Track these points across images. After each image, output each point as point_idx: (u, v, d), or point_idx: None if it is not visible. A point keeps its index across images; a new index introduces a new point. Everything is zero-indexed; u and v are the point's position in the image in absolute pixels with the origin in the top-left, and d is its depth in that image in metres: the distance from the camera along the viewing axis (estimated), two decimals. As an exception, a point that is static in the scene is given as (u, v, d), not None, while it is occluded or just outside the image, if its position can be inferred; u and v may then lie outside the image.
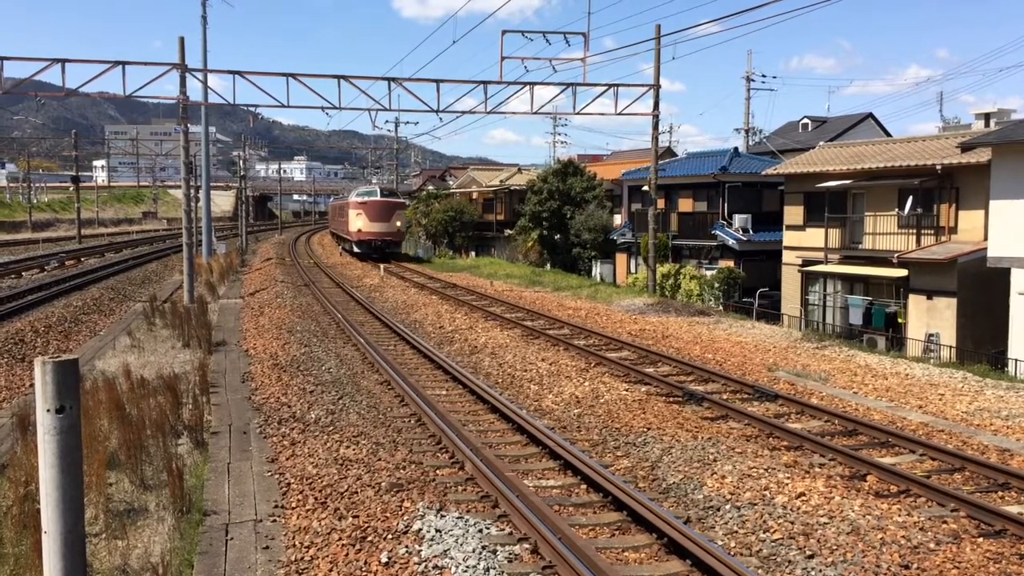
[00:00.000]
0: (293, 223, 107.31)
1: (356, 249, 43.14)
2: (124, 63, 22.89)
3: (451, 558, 6.76)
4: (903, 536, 7.24)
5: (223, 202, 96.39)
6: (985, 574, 6.63)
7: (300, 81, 24.92)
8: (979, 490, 8.76)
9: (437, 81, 26.30)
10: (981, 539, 7.36)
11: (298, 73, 24.73)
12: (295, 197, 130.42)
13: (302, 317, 20.79)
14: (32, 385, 9.94)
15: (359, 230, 42.24)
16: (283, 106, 25.24)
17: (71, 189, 66.92)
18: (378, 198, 43.52)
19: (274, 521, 7.59)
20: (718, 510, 8.06)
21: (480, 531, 7.36)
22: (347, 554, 6.83)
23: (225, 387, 13.11)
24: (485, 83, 26.89)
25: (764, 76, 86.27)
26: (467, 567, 6.60)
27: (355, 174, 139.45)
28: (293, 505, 7.93)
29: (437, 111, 27.09)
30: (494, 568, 6.64)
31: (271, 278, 31.17)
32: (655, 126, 29.80)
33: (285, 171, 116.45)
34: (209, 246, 38.02)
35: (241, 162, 63.09)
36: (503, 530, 7.49)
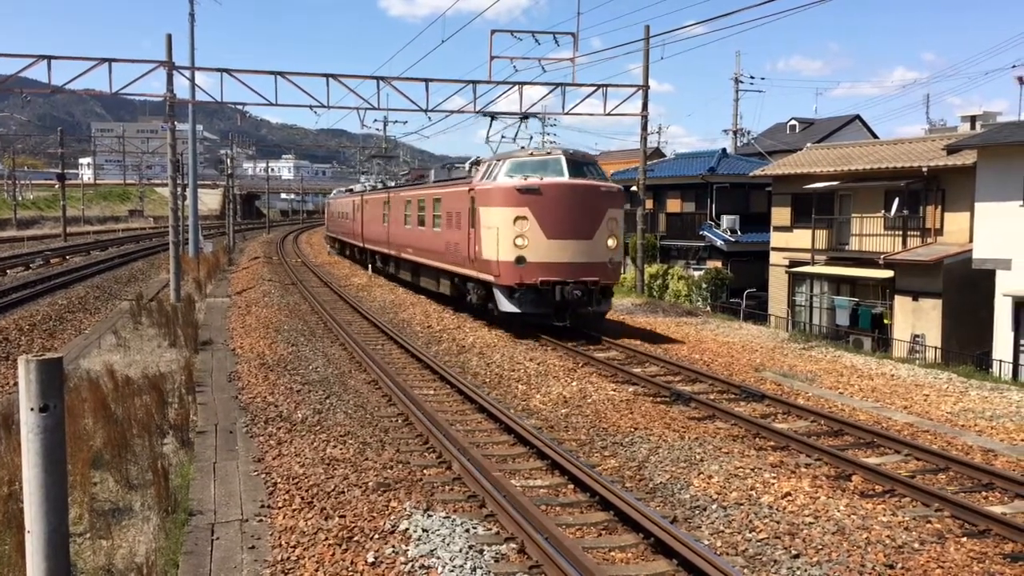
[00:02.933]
0: (281, 222, 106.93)
1: (507, 307, 17.47)
2: (111, 60, 22.74)
3: (438, 558, 6.75)
4: (888, 536, 7.28)
5: (210, 200, 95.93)
6: (969, 573, 6.68)
7: (288, 79, 24.84)
8: (963, 490, 8.82)
9: (426, 80, 26.26)
10: (965, 539, 7.41)
11: (286, 71, 24.66)
12: (283, 196, 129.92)
13: (289, 316, 20.72)
14: (16, 383, 9.88)
15: (519, 260, 17.10)
16: (271, 104, 25.42)
17: (57, 187, 66.49)
18: (566, 179, 17.54)
19: (260, 521, 7.56)
20: (704, 510, 8.08)
21: (467, 531, 7.35)
22: (333, 554, 6.81)
23: (211, 386, 13.04)
24: (474, 82, 26.86)
25: (752, 77, 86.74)
26: (454, 567, 6.59)
27: (343, 173, 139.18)
28: (279, 505, 7.90)
29: (426, 110, 27.03)
30: (481, 568, 6.63)
31: (258, 277, 31.05)
32: (644, 127, 29.85)
33: (273, 169, 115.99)
34: (196, 244, 37.83)
35: (228, 160, 62.74)
36: (490, 530, 7.49)
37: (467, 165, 21.42)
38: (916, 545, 7.14)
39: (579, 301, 17.01)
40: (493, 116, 25.04)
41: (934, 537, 7.37)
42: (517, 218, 17.05)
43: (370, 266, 34.68)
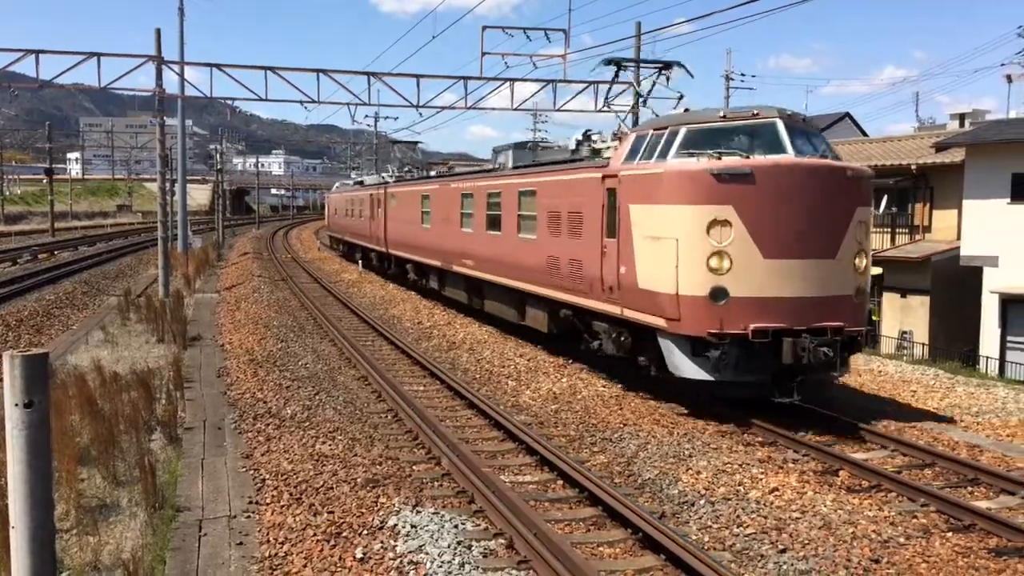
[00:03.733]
0: (271, 217, 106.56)
1: (691, 371, 10.87)
2: (99, 55, 22.60)
3: (426, 553, 6.75)
4: (874, 530, 7.32)
5: (199, 196, 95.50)
6: (954, 568, 6.73)
7: (278, 75, 24.74)
8: (949, 485, 8.88)
9: (417, 76, 26.21)
10: (950, 533, 7.46)
11: (276, 66, 24.57)
12: (273, 191, 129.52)
13: (279, 312, 20.67)
14: (0, 379, 9.82)
15: (716, 293, 10.57)
16: (261, 99, 25.16)
17: (44, 181, 66.00)
18: (791, 158, 10.92)
19: (248, 517, 7.56)
20: (692, 505, 8.11)
21: (456, 526, 7.36)
22: (322, 549, 6.81)
23: (200, 382, 13.01)
24: (465, 78, 26.83)
25: (743, 75, 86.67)
26: (442, 562, 6.60)
27: (334, 169, 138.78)
28: (268, 501, 7.89)
29: (417, 106, 27.00)
30: (469, 563, 6.64)
31: (248, 272, 30.95)
32: (635, 123, 29.86)
33: (263, 165, 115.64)
34: (185, 240, 37.65)
35: (218, 155, 62.49)
36: (479, 525, 7.51)
37: (572, 141, 15.43)
38: (902, 540, 7.19)
39: (824, 362, 10.41)
40: (620, 65, 15.67)
41: (920, 532, 7.42)
42: (713, 223, 10.53)
43: (360, 262, 34.44)
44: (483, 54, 26.30)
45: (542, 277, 14.81)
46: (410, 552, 6.77)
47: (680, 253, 10.76)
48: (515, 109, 29.37)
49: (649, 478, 8.91)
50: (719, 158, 10.89)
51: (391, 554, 6.75)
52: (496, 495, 7.89)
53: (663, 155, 11.41)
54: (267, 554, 6.75)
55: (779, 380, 10.67)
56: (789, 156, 10.91)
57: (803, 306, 10.67)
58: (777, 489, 8.32)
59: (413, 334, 18.39)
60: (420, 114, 60.97)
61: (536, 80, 28.40)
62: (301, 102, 26.01)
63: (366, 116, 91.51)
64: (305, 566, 6.54)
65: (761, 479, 8.61)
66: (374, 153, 72.94)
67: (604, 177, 12.64)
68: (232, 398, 11.85)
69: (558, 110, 29.85)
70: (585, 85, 28.22)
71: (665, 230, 11.04)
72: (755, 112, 11.48)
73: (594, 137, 14.82)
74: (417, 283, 25.49)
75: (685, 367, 10.89)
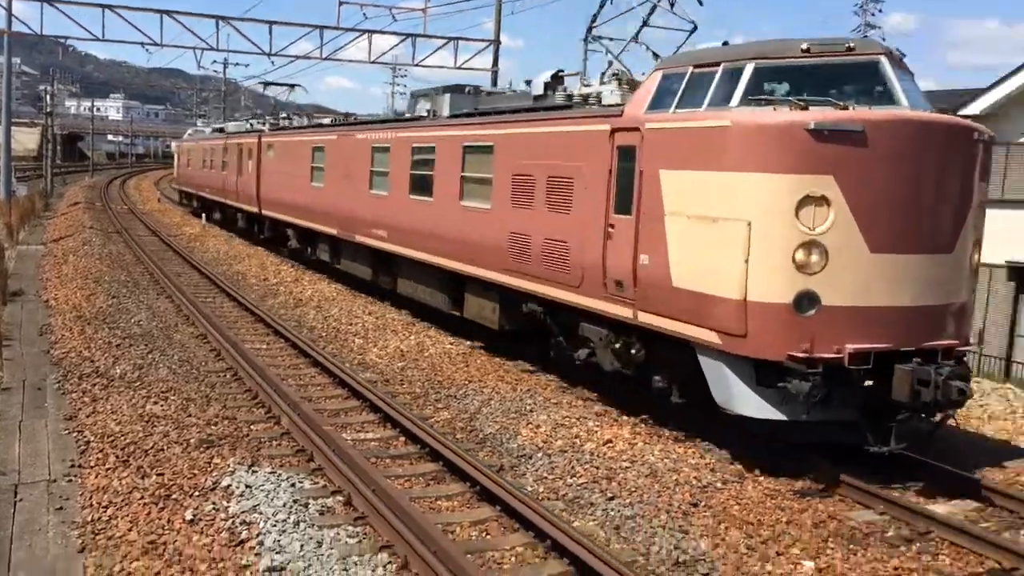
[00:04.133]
0: (107, 165, 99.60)
1: (758, 408, 7.86)
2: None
3: (260, 513, 6.66)
4: (695, 477, 7.83)
5: (27, 140, 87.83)
6: (763, 509, 7.30)
7: (117, 13, 23.14)
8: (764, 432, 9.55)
9: (269, 23, 25.24)
10: (763, 478, 8.07)
11: (114, 4, 22.92)
12: (110, 137, 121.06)
13: (111, 267, 19.50)
14: None
15: (803, 300, 7.59)
16: (98, 40, 23.44)
17: None
18: (906, 111, 7.99)
19: (70, 481, 7.20)
20: (530, 458, 8.38)
21: (293, 485, 7.30)
22: (149, 512, 6.59)
23: (20, 340, 12.16)
24: (321, 28, 26.07)
25: (600, 38, 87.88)
26: (276, 521, 6.54)
27: (179, 116, 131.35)
28: (92, 464, 7.54)
29: (269, 54, 26.05)
30: (305, 521, 6.61)
31: (79, 224, 28.93)
32: (494, 82, 29.88)
33: (99, 109, 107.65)
34: (8, 187, 34.73)
35: (48, 97, 57.69)
36: (317, 483, 7.48)
37: (539, 84, 12.33)
38: (719, 484, 7.72)
39: (955, 401, 7.77)
40: None
41: (736, 477, 7.99)
42: (805, 200, 7.65)
43: (203, 215, 32.93)
44: (340, 3, 25.59)
45: (497, 259, 11.50)
46: (243, 512, 6.66)
47: (753, 242, 7.73)
48: (373, 62, 28.76)
49: (490, 433, 9.13)
50: (805, 107, 7.80)
51: (223, 515, 6.62)
52: (336, 453, 7.87)
53: (720, 101, 8.27)
54: (89, 519, 6.46)
55: (872, 419, 7.90)
56: (904, 109, 8.07)
57: (913, 319, 7.92)
58: (611, 441, 8.72)
59: (258, 291, 17.85)
60: (272, 63, 58.48)
61: (395, 33, 27.91)
62: (143, 44, 24.57)
63: (214, 62, 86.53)
64: (130, 530, 6.31)
65: (597, 432, 8.99)
66: (222, 101, 69.50)
67: (614, 131, 9.34)
68: (56, 357, 11.14)
69: (417, 65, 29.54)
70: (445, 41, 28.01)
71: (728, 208, 7.94)
72: (850, 45, 8.37)
73: (567, 80, 11.82)
74: (302, 254, 21.45)
75: (744, 401, 7.96)
